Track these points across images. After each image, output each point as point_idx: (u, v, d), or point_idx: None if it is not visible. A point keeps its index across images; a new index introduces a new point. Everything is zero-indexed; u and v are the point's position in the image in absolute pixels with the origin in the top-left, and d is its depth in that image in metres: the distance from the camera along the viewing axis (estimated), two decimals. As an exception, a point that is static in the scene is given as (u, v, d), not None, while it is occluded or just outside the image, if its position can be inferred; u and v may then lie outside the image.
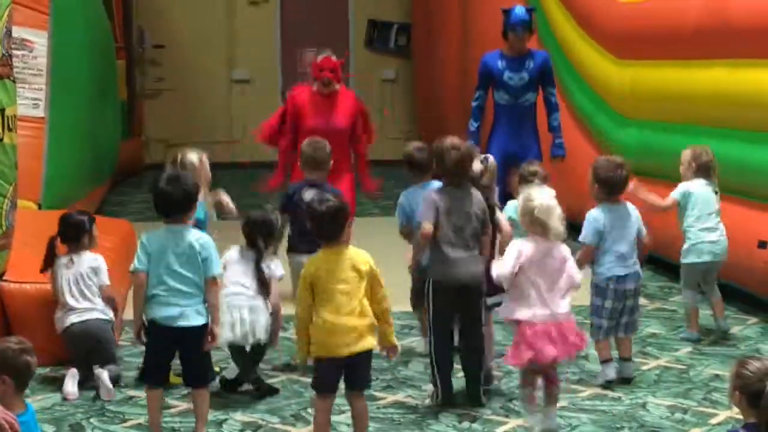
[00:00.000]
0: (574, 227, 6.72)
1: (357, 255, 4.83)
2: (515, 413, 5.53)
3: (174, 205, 4.95)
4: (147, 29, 16.61)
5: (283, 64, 16.80)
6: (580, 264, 5.83)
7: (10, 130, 6.19)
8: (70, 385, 5.85)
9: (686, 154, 6.95)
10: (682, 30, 8.38)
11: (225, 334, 5.60)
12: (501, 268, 5.12)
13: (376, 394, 5.85)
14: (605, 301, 5.98)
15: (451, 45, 14.34)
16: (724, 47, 7.81)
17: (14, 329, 6.04)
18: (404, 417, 5.55)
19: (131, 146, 14.81)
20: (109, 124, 12.18)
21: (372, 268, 4.82)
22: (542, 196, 5.06)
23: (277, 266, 5.88)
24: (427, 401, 5.71)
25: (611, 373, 5.99)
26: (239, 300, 5.72)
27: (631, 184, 6.32)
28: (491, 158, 6.15)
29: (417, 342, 6.66)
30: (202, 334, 4.94)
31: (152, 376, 5.04)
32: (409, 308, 6.58)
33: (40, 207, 8.29)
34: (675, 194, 6.86)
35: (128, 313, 6.13)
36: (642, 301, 6.80)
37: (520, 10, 8.08)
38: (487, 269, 5.43)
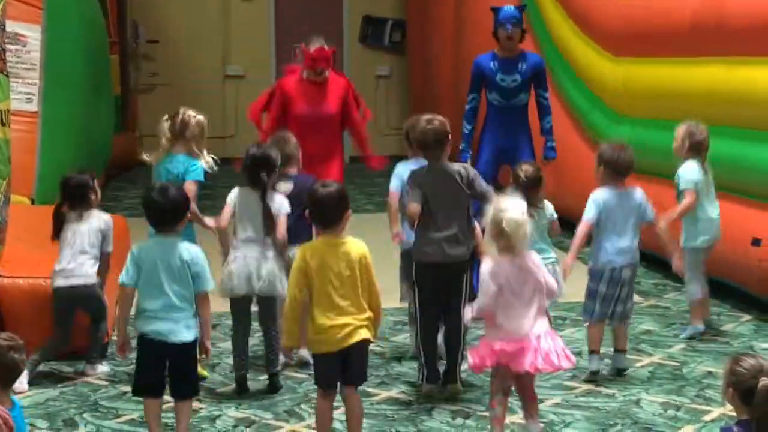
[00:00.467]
0: (567, 223, 6.74)
1: (352, 245, 4.77)
2: (509, 410, 5.52)
3: (164, 216, 4.89)
4: (141, 24, 16.58)
5: (277, 59, 16.75)
6: (576, 242, 5.92)
7: (3, 124, 6.18)
8: (23, 381, 5.74)
9: (681, 130, 6.92)
10: (678, 27, 8.39)
11: (237, 284, 5.69)
12: (482, 304, 4.85)
13: (370, 390, 5.84)
14: (600, 285, 5.98)
15: (445, 41, 14.34)
16: (719, 45, 7.82)
17: (7, 324, 6.02)
18: (398, 413, 5.55)
19: (125, 141, 14.77)
20: (102, 119, 12.15)
21: (366, 257, 4.76)
22: (513, 209, 4.84)
23: (282, 202, 5.88)
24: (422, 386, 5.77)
25: (594, 365, 6.00)
26: (250, 250, 5.76)
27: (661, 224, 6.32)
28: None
29: (410, 338, 6.65)
30: (191, 348, 4.87)
31: (144, 389, 4.94)
32: (402, 305, 6.56)
33: (33, 202, 8.28)
34: (689, 186, 6.75)
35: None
36: (636, 298, 6.79)
37: (509, 6, 8.05)
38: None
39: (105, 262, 6.17)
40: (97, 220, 6.12)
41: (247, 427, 5.37)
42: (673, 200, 6.91)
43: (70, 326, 6.08)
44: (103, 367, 6.18)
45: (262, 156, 5.89)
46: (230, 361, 6.34)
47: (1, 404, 3.77)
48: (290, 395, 5.80)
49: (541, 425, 5.09)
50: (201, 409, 5.59)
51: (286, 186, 6.22)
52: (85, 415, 5.54)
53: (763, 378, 3.46)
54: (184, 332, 4.81)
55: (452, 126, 5.89)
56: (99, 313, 6.14)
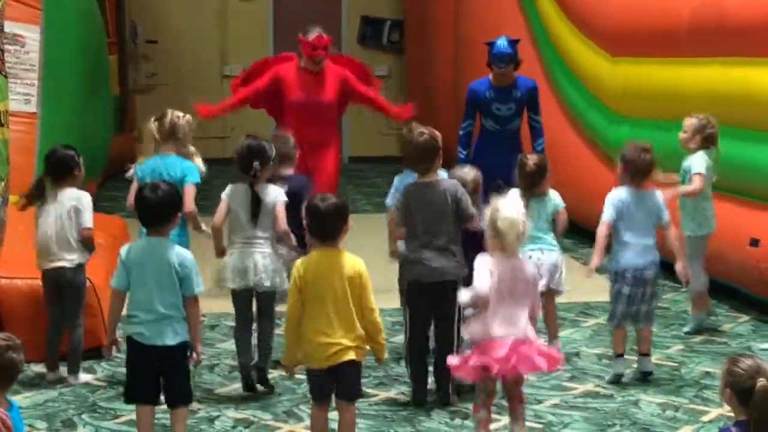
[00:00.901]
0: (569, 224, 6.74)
1: (348, 261, 4.67)
2: (507, 411, 5.52)
3: (154, 217, 4.81)
4: (140, 24, 16.57)
5: (275, 60, 16.78)
6: (599, 244, 5.91)
7: (1, 125, 6.17)
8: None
9: (691, 124, 6.89)
10: (676, 28, 8.39)
11: (231, 278, 5.69)
12: (478, 287, 4.83)
13: (369, 391, 5.84)
14: (623, 286, 5.95)
15: (444, 41, 14.33)
16: (718, 45, 7.82)
17: (5, 325, 6.02)
18: (396, 414, 5.55)
19: (123, 141, 14.76)
20: (101, 119, 12.13)
21: (362, 276, 4.65)
22: (509, 210, 4.82)
23: (278, 192, 5.83)
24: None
25: (621, 368, 5.98)
26: (246, 245, 5.74)
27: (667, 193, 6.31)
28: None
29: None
30: (179, 353, 4.77)
31: (134, 394, 4.86)
32: (399, 305, 6.55)
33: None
34: (699, 170, 6.74)
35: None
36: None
37: (502, 42, 8.02)
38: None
39: (87, 239, 6.02)
40: (69, 200, 5.97)
41: (245, 427, 5.38)
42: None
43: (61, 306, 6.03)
44: (86, 376, 6.12)
45: (257, 146, 5.85)
46: (229, 361, 6.36)
47: None
48: (289, 396, 5.80)
49: (525, 427, 5.03)
50: (199, 409, 5.59)
51: (281, 187, 6.22)
52: (83, 416, 5.55)
53: (760, 379, 3.46)
54: (169, 336, 4.71)
55: (452, 128, 5.89)
56: (76, 302, 6.02)
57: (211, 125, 16.51)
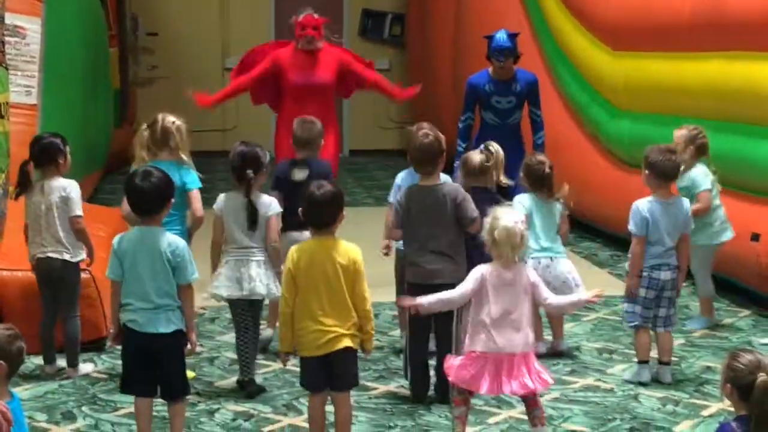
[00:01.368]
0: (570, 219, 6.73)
1: (343, 249, 4.67)
2: (507, 404, 5.53)
3: (147, 204, 4.75)
4: (140, 17, 16.55)
5: (276, 52, 16.76)
6: (636, 264, 5.79)
7: (2, 117, 6.16)
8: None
9: (681, 136, 6.84)
10: (677, 22, 8.38)
11: (225, 288, 5.66)
12: (453, 291, 4.85)
13: (368, 384, 5.85)
14: (640, 289, 5.86)
15: (445, 34, 14.32)
16: (719, 40, 7.81)
17: (5, 316, 6.03)
18: (396, 407, 5.55)
19: (124, 134, 14.75)
20: (101, 112, 12.14)
21: (356, 264, 4.65)
22: (508, 218, 4.76)
23: (270, 203, 5.79)
24: None
25: (645, 375, 5.91)
26: (240, 254, 5.71)
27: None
28: (495, 145, 6.13)
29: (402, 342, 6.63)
30: (171, 342, 4.73)
31: (130, 385, 4.82)
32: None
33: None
34: (706, 187, 6.72)
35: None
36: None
37: (501, 36, 8.00)
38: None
39: (78, 231, 5.96)
40: (57, 190, 5.91)
41: (245, 420, 5.38)
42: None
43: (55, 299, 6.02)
44: (86, 367, 6.11)
45: (250, 153, 5.78)
46: (229, 354, 6.37)
47: (0, 397, 3.77)
48: (289, 389, 5.80)
49: (548, 429, 5.01)
50: (199, 402, 5.60)
51: (302, 173, 6.19)
52: (83, 408, 5.55)
53: (761, 374, 3.46)
54: (162, 324, 4.68)
55: (453, 122, 5.87)
56: (70, 293, 6.00)
57: (213, 118, 16.60)
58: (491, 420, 5.35)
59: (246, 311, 5.81)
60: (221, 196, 5.84)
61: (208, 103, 8.32)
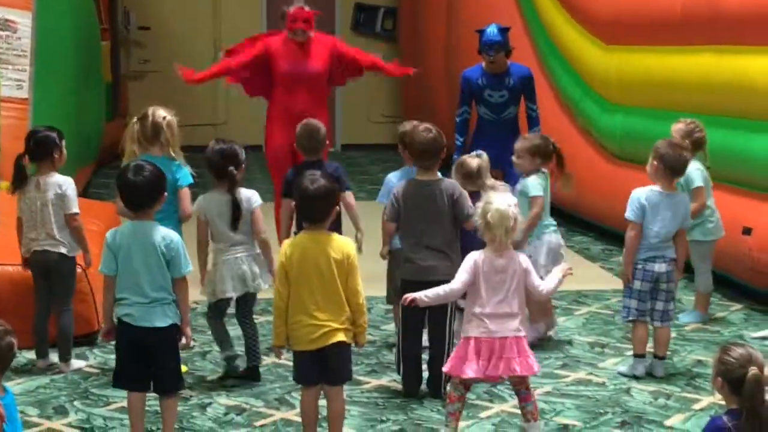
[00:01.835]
0: (558, 212, 6.75)
1: (336, 242, 4.66)
2: (499, 398, 5.54)
3: (140, 198, 4.72)
4: (132, 10, 16.53)
5: (269, 47, 16.73)
6: (631, 250, 5.80)
7: (-7, 111, 6.15)
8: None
9: (678, 130, 6.82)
10: (670, 16, 8.39)
11: (222, 288, 5.66)
12: (452, 283, 4.87)
13: (361, 378, 5.85)
14: (635, 281, 5.84)
15: (437, 29, 14.31)
16: (712, 34, 7.82)
17: (-3, 311, 6.01)
18: (388, 401, 5.55)
19: (116, 128, 14.73)
20: (93, 105, 12.12)
21: (349, 257, 4.64)
22: (500, 201, 4.78)
23: (250, 196, 5.76)
24: None
25: (640, 369, 5.90)
26: (228, 252, 5.71)
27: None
28: (484, 154, 6.18)
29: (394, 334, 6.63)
30: (166, 336, 4.72)
31: (122, 379, 4.80)
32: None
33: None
34: (700, 183, 6.71)
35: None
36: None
37: (492, 30, 8.00)
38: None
39: (74, 229, 5.95)
40: (53, 186, 5.89)
41: (237, 414, 5.38)
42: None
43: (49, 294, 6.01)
44: (78, 363, 6.10)
45: (229, 150, 5.75)
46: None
47: None
48: (281, 383, 5.80)
49: (540, 423, 5.02)
50: (191, 396, 5.59)
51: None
52: (75, 403, 5.54)
53: (752, 368, 3.47)
54: (158, 318, 4.67)
55: (445, 115, 5.86)
56: (65, 286, 5.99)
57: (204, 112, 16.61)
58: (483, 414, 5.35)
59: (245, 305, 5.87)
60: (201, 198, 5.82)
61: (194, 79, 8.27)
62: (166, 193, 4.87)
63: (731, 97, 7.58)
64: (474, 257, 4.84)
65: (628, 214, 5.87)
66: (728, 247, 7.29)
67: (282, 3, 17.31)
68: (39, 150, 5.93)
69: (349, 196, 6.33)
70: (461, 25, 12.75)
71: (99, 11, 13.52)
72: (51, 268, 5.96)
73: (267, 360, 6.14)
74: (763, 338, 6.60)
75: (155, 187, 4.75)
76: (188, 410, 5.40)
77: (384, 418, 5.31)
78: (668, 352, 6.15)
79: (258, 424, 5.26)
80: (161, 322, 4.68)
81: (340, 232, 5.65)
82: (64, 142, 6.03)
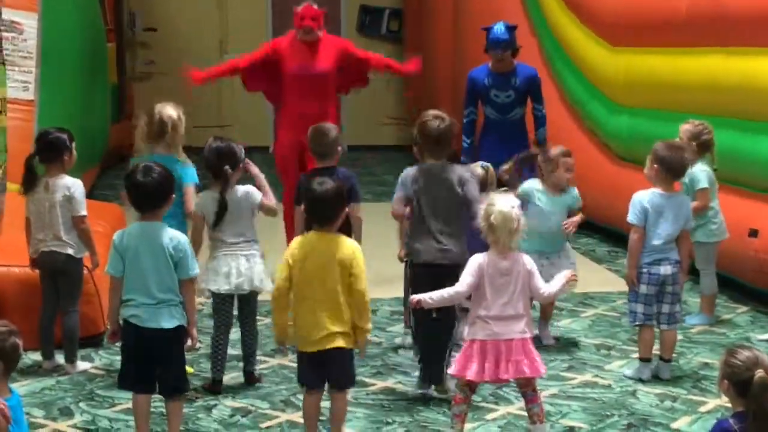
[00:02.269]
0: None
1: (343, 245, 4.66)
2: (505, 400, 5.53)
3: (148, 199, 4.73)
4: (138, 12, 16.55)
5: (274, 48, 16.75)
6: (633, 245, 5.79)
7: (0, 113, 6.16)
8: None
9: (686, 131, 6.80)
10: (676, 17, 8.38)
11: (219, 283, 5.62)
12: (457, 286, 4.86)
13: (366, 380, 5.84)
14: (640, 285, 5.83)
15: (443, 31, 14.31)
16: (718, 35, 7.81)
17: (2, 313, 6.01)
18: (394, 403, 5.55)
19: (122, 130, 14.75)
20: (99, 107, 12.13)
21: (356, 260, 4.63)
22: (503, 204, 4.77)
23: (248, 191, 5.73)
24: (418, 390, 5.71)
25: (647, 373, 5.89)
26: (228, 249, 5.68)
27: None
28: (490, 166, 6.22)
29: (403, 335, 6.62)
30: (172, 337, 4.71)
31: (128, 380, 4.79)
32: (398, 294, 6.55)
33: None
34: (704, 185, 6.70)
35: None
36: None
37: (499, 28, 7.97)
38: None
39: (82, 231, 5.95)
40: (61, 188, 5.89)
41: (243, 416, 5.37)
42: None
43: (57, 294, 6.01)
44: (83, 364, 6.10)
45: (226, 149, 5.71)
46: (227, 350, 6.34)
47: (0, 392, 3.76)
48: (287, 385, 5.80)
49: (546, 425, 5.01)
50: (197, 398, 5.59)
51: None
52: (80, 404, 5.54)
53: (758, 370, 3.46)
54: (165, 319, 4.67)
55: (451, 117, 5.84)
56: (72, 287, 5.99)
57: (210, 114, 16.62)
58: (489, 416, 5.34)
59: (230, 308, 5.78)
60: (198, 197, 5.82)
61: (200, 78, 8.24)
62: (174, 195, 4.88)
63: (738, 99, 7.56)
64: (478, 260, 4.83)
65: (631, 217, 5.86)
66: (735, 249, 7.28)
67: (287, 4, 17.34)
68: (50, 151, 5.93)
69: (357, 209, 6.10)
70: (467, 27, 12.74)
71: (104, 13, 13.54)
72: (58, 269, 5.96)
73: (273, 362, 6.14)
74: (770, 340, 6.59)
75: (163, 188, 4.75)
76: (194, 412, 5.40)
77: (390, 420, 5.31)
78: (674, 355, 6.15)
79: (264, 425, 5.26)
80: (168, 324, 4.68)
81: (349, 236, 5.63)
82: (74, 144, 6.04)
